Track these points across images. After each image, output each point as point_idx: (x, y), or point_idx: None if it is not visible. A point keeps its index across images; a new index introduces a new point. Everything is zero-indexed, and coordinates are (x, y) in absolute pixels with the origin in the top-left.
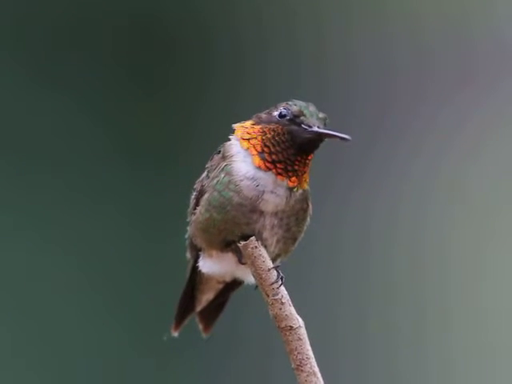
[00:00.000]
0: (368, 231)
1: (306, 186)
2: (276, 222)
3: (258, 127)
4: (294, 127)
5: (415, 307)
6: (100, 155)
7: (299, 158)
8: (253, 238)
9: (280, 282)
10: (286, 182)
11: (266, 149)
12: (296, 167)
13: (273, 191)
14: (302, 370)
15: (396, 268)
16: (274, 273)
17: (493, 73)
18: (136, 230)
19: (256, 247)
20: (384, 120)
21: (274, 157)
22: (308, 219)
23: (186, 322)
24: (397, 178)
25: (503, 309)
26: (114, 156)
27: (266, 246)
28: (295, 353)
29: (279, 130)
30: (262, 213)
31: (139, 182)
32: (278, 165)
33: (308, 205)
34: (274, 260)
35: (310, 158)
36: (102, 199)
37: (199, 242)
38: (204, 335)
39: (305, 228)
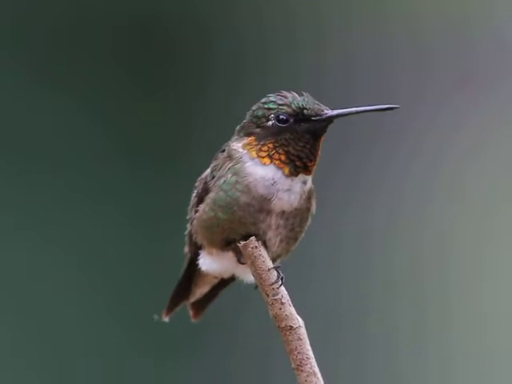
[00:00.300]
0: (368, 231)
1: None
2: (282, 222)
3: (270, 143)
4: (306, 125)
5: (415, 306)
6: (100, 155)
7: (317, 146)
8: (253, 238)
9: (280, 282)
10: (306, 176)
11: (294, 158)
12: (317, 156)
13: (288, 189)
14: (302, 370)
15: (396, 267)
16: (274, 273)
17: (493, 73)
18: (136, 230)
19: (256, 247)
20: (384, 120)
21: (306, 161)
22: (309, 219)
23: (178, 309)
24: (397, 178)
25: (503, 308)
26: (114, 156)
27: (269, 246)
28: (295, 353)
29: (297, 136)
30: (268, 212)
31: (139, 182)
32: (310, 163)
33: (311, 204)
34: (275, 260)
35: (322, 139)
36: (102, 199)
37: (200, 239)
38: (193, 320)
39: (306, 228)
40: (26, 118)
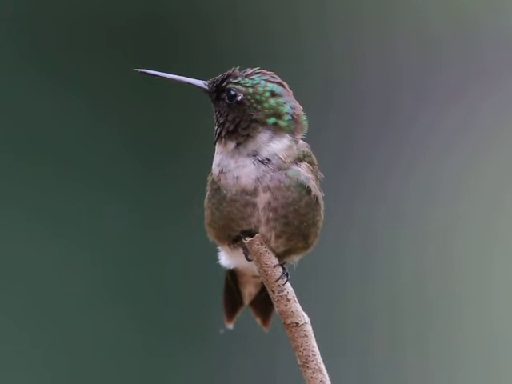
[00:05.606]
0: (373, 227)
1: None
2: (271, 214)
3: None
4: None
5: (420, 304)
6: (110, 153)
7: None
8: (258, 234)
9: (286, 279)
10: (234, 144)
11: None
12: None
13: (236, 166)
14: (307, 367)
15: (401, 265)
16: (280, 269)
17: (500, 71)
18: (146, 228)
19: (262, 244)
20: (390, 118)
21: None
22: (318, 215)
23: (239, 314)
24: (402, 177)
25: (510, 308)
26: (124, 154)
27: (266, 242)
28: (301, 349)
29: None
30: (254, 205)
31: (149, 179)
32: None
33: (311, 198)
34: (282, 257)
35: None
36: (113, 197)
37: (211, 237)
38: (264, 329)
39: (319, 224)
40: (36, 116)
